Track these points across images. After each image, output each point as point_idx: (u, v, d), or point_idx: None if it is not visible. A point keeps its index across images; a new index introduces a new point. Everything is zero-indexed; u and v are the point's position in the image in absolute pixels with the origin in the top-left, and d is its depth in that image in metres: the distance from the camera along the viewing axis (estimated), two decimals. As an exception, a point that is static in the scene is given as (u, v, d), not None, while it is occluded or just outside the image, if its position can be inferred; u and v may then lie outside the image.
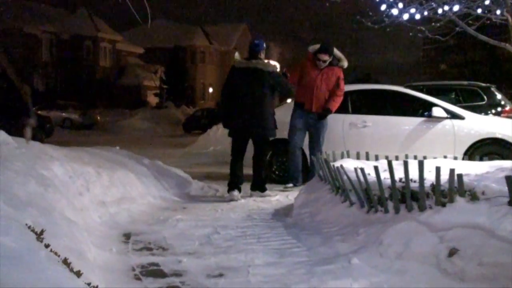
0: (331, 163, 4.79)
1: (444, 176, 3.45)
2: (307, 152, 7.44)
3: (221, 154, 12.08)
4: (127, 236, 4.16)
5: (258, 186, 6.23)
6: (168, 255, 3.58)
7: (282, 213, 5.23)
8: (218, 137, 14.50)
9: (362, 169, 3.98)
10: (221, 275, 3.13)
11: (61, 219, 3.15)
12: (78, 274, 2.02)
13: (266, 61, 6.22)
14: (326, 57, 6.71)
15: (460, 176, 3.34)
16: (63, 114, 28.42)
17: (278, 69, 6.26)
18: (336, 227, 4.00)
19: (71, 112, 28.90)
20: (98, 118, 30.20)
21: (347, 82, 7.14)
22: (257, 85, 6.11)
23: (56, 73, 39.36)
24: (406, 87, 8.97)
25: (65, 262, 2.07)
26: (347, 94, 7.70)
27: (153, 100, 44.12)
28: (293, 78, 6.74)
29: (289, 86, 6.32)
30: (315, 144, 6.77)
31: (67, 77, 39.64)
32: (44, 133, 15.50)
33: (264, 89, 6.10)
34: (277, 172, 7.54)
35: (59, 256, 2.14)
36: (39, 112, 21.32)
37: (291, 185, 6.68)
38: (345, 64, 6.86)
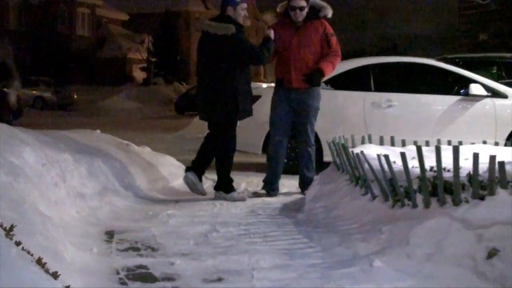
0: (350, 150, 4.80)
1: (483, 165, 3.45)
2: (321, 135, 7.46)
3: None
4: (110, 234, 4.19)
5: (221, 186, 5.76)
6: (158, 256, 3.60)
7: (292, 208, 5.25)
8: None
9: (386, 156, 3.99)
10: (220, 279, 3.15)
11: (33, 213, 3.17)
12: (55, 275, 2.04)
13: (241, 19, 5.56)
14: (302, 2, 5.82)
15: (502, 164, 3.34)
16: (34, 92, 28.48)
17: (272, 35, 5.73)
18: (356, 224, 4.02)
19: (44, 90, 28.97)
20: (75, 96, 30.27)
21: (370, 54, 7.13)
22: (212, 55, 5.53)
23: (26, 43, 39.36)
24: (439, 60, 8.94)
25: (40, 262, 2.09)
26: (369, 68, 7.69)
27: (139, 75, 44.13)
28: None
29: (258, 52, 5.53)
30: (301, 134, 5.97)
31: (39, 49, 39.65)
32: (11, 114, 15.53)
33: (220, 60, 5.48)
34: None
35: (32, 255, 2.16)
36: (4, 89, 21.35)
37: (263, 191, 6.02)
38: (329, 12, 5.95)
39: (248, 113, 5.76)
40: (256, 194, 5.97)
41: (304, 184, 5.91)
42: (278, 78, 6.05)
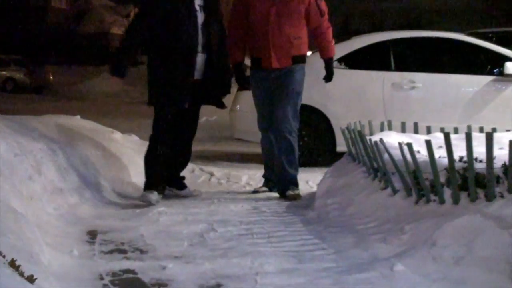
0: (367, 137, 4.80)
1: (521, 154, 3.45)
2: (334, 122, 7.46)
3: (217, 127, 12.09)
4: (93, 235, 4.19)
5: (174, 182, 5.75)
6: (148, 260, 3.61)
7: (301, 205, 5.26)
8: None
9: (409, 145, 3.98)
10: (218, 285, 3.16)
11: (4, 210, 3.18)
12: (31, 279, 2.05)
13: None
14: None
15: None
16: (4, 72, 28.51)
17: None
18: (374, 223, 4.02)
19: (15, 70, 28.96)
20: (51, 78, 30.27)
21: (390, 28, 7.11)
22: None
23: (-6, 17, 39.36)
24: (470, 34, 8.91)
25: (13, 264, 2.10)
26: (389, 44, 7.67)
27: (125, 53, 44.11)
28: (234, 25, 5.73)
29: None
30: (281, 113, 5.62)
31: (8, 23, 39.63)
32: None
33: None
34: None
35: (4, 256, 2.17)
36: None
37: (264, 188, 5.99)
38: None
39: (175, 101, 5.33)
40: (256, 191, 5.92)
41: (284, 183, 5.65)
42: (254, 58, 5.77)
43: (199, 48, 5.33)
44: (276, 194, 5.75)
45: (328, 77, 5.88)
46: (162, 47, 5.28)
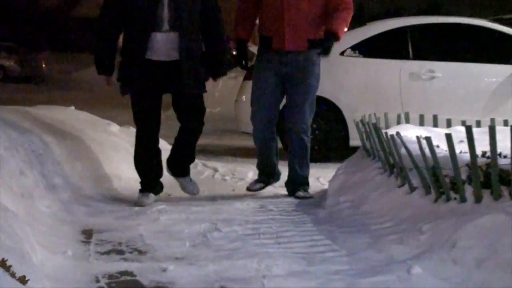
0: (383, 131, 4.79)
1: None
2: (347, 114, 7.44)
3: (221, 119, 12.09)
4: (88, 234, 4.20)
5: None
6: (147, 261, 3.62)
7: (311, 203, 5.26)
8: (217, 93, 14.53)
9: (428, 139, 3.97)
10: (223, 289, 3.17)
11: (-6, 207, 3.19)
12: (23, 281, 2.05)
13: None
14: None
15: None
16: (-7, 60, 28.52)
17: None
18: (390, 223, 4.02)
19: (4, 58, 28.99)
20: (44, 66, 30.28)
21: (408, 13, 7.08)
22: None
23: (-17, 0, 39.45)
24: (494, 20, 8.89)
25: (3, 264, 2.10)
26: (407, 30, 7.65)
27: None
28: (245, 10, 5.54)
29: None
30: (297, 112, 5.44)
31: (-1, 7, 39.70)
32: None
33: None
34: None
35: (-6, 256, 2.17)
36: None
37: (259, 185, 5.74)
38: None
39: (129, 80, 5.10)
40: (251, 189, 5.70)
41: (296, 186, 5.55)
42: (264, 37, 5.48)
43: (163, 25, 4.97)
44: (284, 191, 5.72)
45: (325, 51, 5.34)
46: (124, 23, 5.08)
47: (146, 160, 5.26)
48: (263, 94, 5.50)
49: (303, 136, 5.48)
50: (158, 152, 5.31)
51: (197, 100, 5.21)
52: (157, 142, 5.29)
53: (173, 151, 5.41)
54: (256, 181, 5.77)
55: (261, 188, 5.72)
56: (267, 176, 5.75)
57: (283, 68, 5.40)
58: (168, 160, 5.42)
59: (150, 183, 5.27)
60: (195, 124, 5.26)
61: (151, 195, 5.20)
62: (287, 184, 5.67)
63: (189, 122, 5.25)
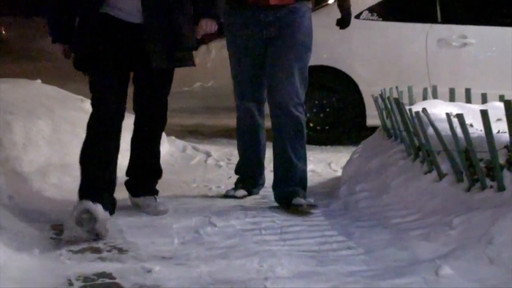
0: (407, 107, 4.77)
1: None
2: (363, 88, 7.41)
3: (214, 95, 12.06)
4: (58, 229, 4.19)
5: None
6: (129, 261, 3.62)
7: (321, 192, 5.25)
8: (209, 64, 14.47)
9: (460, 117, 3.96)
10: (218, 293, 3.17)
11: None
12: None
13: None
14: None
15: None
16: None
17: None
18: (414, 215, 4.03)
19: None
20: (3, 32, 30.24)
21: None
22: None
23: None
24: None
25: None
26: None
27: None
28: None
29: None
30: (285, 81, 4.84)
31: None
32: None
33: None
34: (311, 125, 7.53)
35: None
36: None
37: (242, 193, 5.11)
38: None
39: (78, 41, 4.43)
40: (229, 195, 5.12)
41: (289, 186, 4.85)
42: None
43: None
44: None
45: (344, 22, 5.24)
46: None
47: (99, 155, 4.38)
48: (243, 66, 5.02)
49: (295, 111, 4.83)
50: (117, 149, 4.50)
51: (166, 81, 4.59)
52: (118, 134, 4.46)
53: (132, 162, 4.78)
54: (235, 188, 5.18)
55: (244, 196, 5.09)
56: (251, 182, 5.19)
57: (264, 31, 4.86)
58: (127, 174, 4.81)
59: (99, 190, 4.26)
60: (158, 117, 4.65)
61: (99, 209, 4.02)
62: (277, 186, 4.93)
63: (153, 114, 4.63)
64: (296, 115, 4.84)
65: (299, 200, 4.66)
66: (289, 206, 4.68)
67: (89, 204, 3.98)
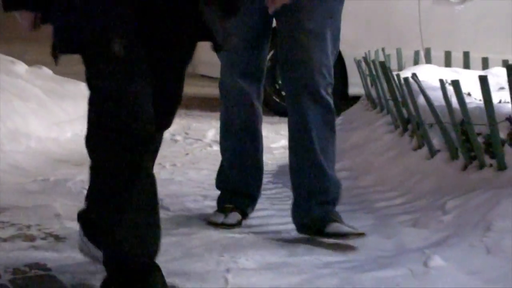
0: (394, 73, 4.80)
1: None
2: (345, 50, 7.40)
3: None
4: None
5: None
6: (67, 250, 3.61)
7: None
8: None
9: (455, 84, 3.98)
10: (172, 287, 3.18)
11: None
12: None
13: None
14: None
15: None
16: None
17: None
18: (402, 198, 4.07)
19: None
20: None
21: None
22: None
23: None
24: None
25: None
26: None
27: None
28: None
29: None
30: (313, 48, 3.90)
31: None
32: None
33: None
34: (283, 94, 7.53)
35: None
36: None
37: (235, 218, 4.12)
38: None
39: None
40: (210, 222, 4.19)
41: (321, 203, 3.90)
42: None
43: None
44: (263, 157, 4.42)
45: None
46: None
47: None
48: (238, 24, 3.82)
49: (327, 96, 4.00)
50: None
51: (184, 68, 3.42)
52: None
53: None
54: (223, 210, 4.22)
55: (238, 222, 4.15)
56: (246, 201, 4.28)
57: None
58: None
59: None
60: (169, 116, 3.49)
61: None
62: (300, 205, 3.95)
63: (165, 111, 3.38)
64: (327, 101, 3.98)
65: (340, 228, 3.75)
66: (322, 234, 3.81)
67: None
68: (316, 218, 3.80)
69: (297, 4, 3.85)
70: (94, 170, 3.14)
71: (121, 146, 2.96)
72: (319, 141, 3.91)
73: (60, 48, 3.13)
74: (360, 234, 3.68)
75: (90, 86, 3.11)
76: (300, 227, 3.87)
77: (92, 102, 3.09)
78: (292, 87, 3.97)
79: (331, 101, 3.96)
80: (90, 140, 3.09)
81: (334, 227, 3.71)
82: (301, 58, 3.90)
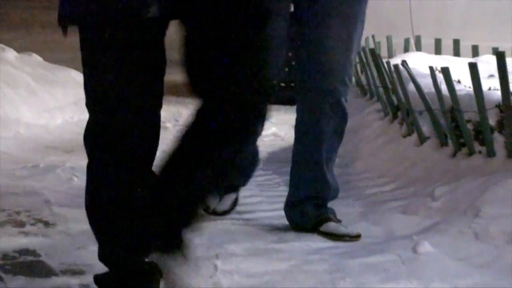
0: (384, 60, 4.80)
1: None
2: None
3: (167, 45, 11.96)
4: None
5: None
6: (56, 236, 3.63)
7: (284, 158, 5.24)
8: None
9: (445, 71, 3.98)
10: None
11: None
12: None
13: None
14: None
15: None
16: None
17: None
18: (391, 185, 4.09)
19: None
20: None
21: None
22: None
23: None
24: None
25: None
26: None
27: None
28: None
29: None
30: (336, 49, 3.73)
31: None
32: None
33: None
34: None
35: None
36: None
37: (229, 199, 4.07)
38: None
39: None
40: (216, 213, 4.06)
41: (321, 208, 3.82)
42: None
43: None
44: None
45: None
46: None
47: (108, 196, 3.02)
48: None
49: (345, 103, 3.85)
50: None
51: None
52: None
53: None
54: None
55: (233, 204, 4.11)
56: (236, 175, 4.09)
57: None
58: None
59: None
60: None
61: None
62: (296, 205, 3.88)
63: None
64: (344, 109, 3.85)
65: (337, 228, 3.71)
66: (318, 232, 3.73)
67: None
68: (312, 217, 3.75)
69: (328, 6, 3.72)
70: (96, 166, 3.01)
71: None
72: (327, 153, 3.84)
73: (70, 19, 2.87)
74: (356, 237, 3.62)
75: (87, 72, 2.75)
76: (295, 225, 3.81)
77: (86, 88, 2.80)
78: (310, 92, 3.84)
79: (347, 109, 3.84)
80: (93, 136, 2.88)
81: (330, 226, 3.67)
82: (325, 65, 3.74)
